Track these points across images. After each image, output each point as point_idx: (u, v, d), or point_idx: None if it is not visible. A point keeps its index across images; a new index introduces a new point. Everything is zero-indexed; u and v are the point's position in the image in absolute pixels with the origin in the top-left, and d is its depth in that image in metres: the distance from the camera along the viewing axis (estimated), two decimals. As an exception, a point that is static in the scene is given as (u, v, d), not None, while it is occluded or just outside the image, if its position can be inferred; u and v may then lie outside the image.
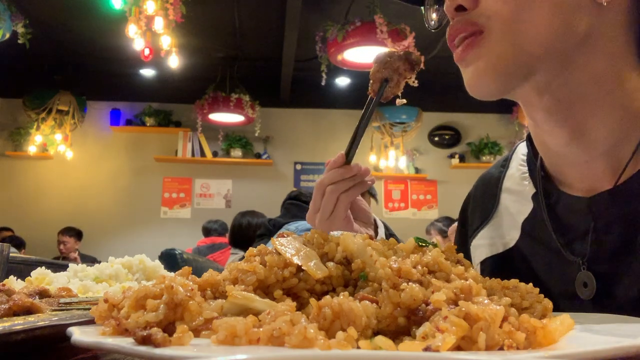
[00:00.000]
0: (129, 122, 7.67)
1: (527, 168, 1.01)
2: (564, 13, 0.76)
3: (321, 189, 1.07)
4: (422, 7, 0.95)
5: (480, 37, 0.78)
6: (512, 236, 1.00)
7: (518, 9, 0.75)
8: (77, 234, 6.53)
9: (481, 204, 1.10)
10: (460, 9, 0.80)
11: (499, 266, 1.02)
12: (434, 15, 0.93)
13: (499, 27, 0.76)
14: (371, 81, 0.94)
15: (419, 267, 0.57)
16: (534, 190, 0.97)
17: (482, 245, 1.06)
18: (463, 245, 1.14)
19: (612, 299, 0.84)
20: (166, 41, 4.86)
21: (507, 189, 1.04)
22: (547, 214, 0.93)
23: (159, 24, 4.52)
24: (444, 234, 5.37)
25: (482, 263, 1.05)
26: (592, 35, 0.78)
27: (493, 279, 0.69)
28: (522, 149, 1.05)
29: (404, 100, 0.93)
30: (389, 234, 1.30)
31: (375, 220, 1.25)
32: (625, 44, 0.81)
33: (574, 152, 0.87)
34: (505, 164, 1.08)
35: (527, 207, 0.98)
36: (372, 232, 1.21)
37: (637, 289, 0.82)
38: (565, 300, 0.89)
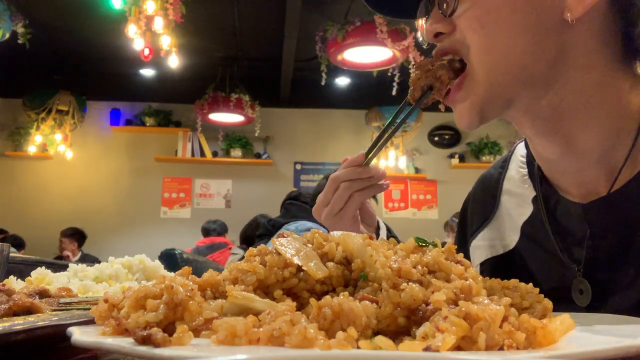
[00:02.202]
0: (129, 122, 7.67)
1: (527, 170, 1.01)
2: (532, 36, 0.78)
3: (335, 184, 1.04)
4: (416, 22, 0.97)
5: (464, 78, 0.84)
6: (512, 238, 1.00)
7: (487, 39, 0.79)
8: (73, 235, 6.47)
9: (481, 205, 1.10)
10: (439, 34, 0.86)
11: (499, 268, 1.02)
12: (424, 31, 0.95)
13: (477, 62, 0.81)
14: (412, 87, 0.91)
15: (419, 267, 0.56)
16: (534, 193, 0.97)
17: (482, 247, 1.06)
18: (462, 245, 1.14)
19: (606, 308, 0.84)
20: (166, 41, 4.86)
21: (507, 191, 1.04)
22: (546, 217, 0.93)
23: (158, 24, 4.52)
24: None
25: (482, 264, 1.05)
26: (566, 51, 0.79)
27: (493, 279, 0.69)
28: (520, 149, 1.05)
29: (444, 106, 0.92)
30: (391, 236, 1.30)
31: (377, 222, 1.25)
32: (604, 51, 0.80)
33: (566, 162, 0.87)
34: (504, 165, 1.08)
35: (528, 210, 0.98)
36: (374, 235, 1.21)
37: (631, 298, 0.82)
38: (561, 305, 0.89)
